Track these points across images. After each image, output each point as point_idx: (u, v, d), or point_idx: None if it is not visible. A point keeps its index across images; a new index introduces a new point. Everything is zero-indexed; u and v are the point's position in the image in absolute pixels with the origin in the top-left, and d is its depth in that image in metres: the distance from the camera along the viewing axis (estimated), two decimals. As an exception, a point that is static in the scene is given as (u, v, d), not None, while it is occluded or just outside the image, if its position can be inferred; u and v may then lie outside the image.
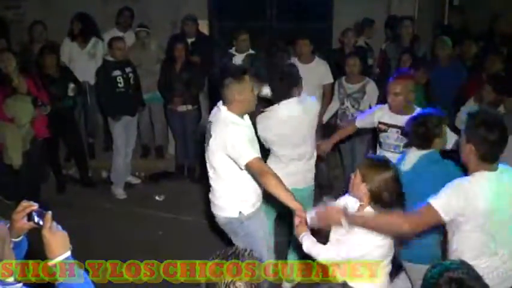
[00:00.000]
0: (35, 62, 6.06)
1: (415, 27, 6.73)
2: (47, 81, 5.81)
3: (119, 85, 6.00)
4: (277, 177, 3.30)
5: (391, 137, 4.13)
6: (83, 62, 6.64)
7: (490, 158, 2.69)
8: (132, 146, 6.42)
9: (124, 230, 5.40)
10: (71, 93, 5.97)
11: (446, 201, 2.67)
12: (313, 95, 5.31)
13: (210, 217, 5.61)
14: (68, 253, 2.04)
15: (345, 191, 6.09)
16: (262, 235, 3.72)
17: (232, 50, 6.19)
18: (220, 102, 3.64)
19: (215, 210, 3.78)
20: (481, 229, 2.70)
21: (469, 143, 2.70)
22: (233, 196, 3.63)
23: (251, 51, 6.17)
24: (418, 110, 4.03)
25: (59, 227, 2.09)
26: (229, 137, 3.46)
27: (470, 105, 5.06)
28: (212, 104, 5.04)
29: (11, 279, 1.92)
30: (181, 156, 6.68)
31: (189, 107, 6.29)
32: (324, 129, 5.77)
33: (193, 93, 6.33)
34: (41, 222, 2.08)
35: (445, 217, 2.67)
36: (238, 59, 6.11)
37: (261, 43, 6.85)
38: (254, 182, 3.60)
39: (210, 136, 3.59)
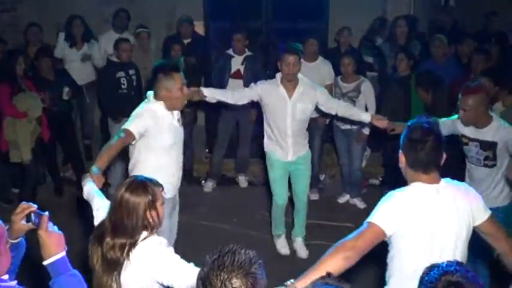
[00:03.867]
0: (31, 65, 6.07)
1: (415, 25, 6.74)
2: (42, 85, 5.81)
3: (122, 86, 6.01)
4: (107, 152, 3.60)
5: (472, 151, 3.98)
6: (79, 63, 6.62)
7: (420, 166, 2.55)
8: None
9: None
10: (65, 97, 5.96)
11: (384, 215, 2.52)
12: None
13: (208, 219, 5.68)
14: (63, 253, 2.06)
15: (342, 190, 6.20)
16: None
17: (230, 51, 6.17)
18: (151, 93, 3.91)
19: None
20: (417, 248, 2.53)
21: (401, 150, 2.63)
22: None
23: (249, 53, 6.17)
24: (496, 119, 3.87)
25: (55, 227, 2.11)
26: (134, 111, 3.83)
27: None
28: (207, 105, 5.07)
29: (5, 277, 1.93)
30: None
31: (186, 108, 6.27)
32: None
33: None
34: (38, 223, 2.09)
35: (388, 231, 2.50)
36: (236, 61, 6.11)
37: (257, 43, 6.86)
38: (167, 170, 3.87)
39: None
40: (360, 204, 5.98)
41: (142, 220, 2.52)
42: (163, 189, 2.65)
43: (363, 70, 6.14)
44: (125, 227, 2.50)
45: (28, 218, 2.13)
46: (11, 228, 2.15)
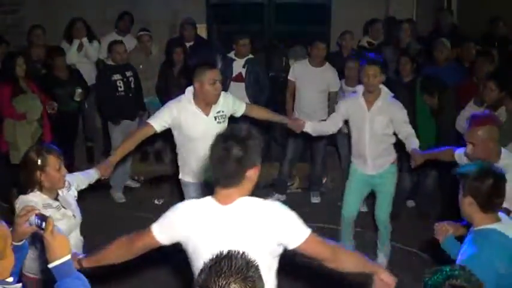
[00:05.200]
0: (45, 64, 6.08)
1: (415, 29, 6.74)
2: (54, 83, 5.83)
3: (119, 89, 6.01)
4: (124, 142, 4.21)
5: None
6: (80, 64, 6.64)
7: (217, 181, 2.30)
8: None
9: (123, 234, 5.38)
10: (77, 98, 5.97)
11: (161, 223, 2.46)
12: (320, 100, 5.35)
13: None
14: (69, 256, 2.06)
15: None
16: None
17: (231, 55, 6.17)
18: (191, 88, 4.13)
19: None
20: (199, 263, 2.32)
21: None
22: (179, 161, 4.32)
23: (250, 56, 6.16)
24: (507, 157, 3.32)
25: (60, 230, 2.12)
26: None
27: (470, 108, 5.07)
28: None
29: (10, 279, 1.93)
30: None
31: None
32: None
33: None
34: (43, 226, 2.10)
35: (161, 240, 2.45)
36: (238, 64, 6.11)
37: (259, 46, 6.86)
38: (194, 158, 4.11)
39: None
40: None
41: (31, 177, 3.03)
42: (62, 159, 3.12)
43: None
44: (20, 179, 3.05)
45: (32, 221, 2.14)
46: (15, 230, 2.15)
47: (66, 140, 6.24)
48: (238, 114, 4.37)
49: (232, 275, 1.67)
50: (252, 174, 2.28)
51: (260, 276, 1.73)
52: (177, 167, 4.39)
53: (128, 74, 6.10)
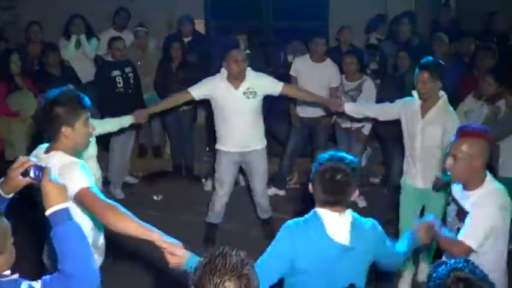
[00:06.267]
0: (38, 61, 6.07)
1: (414, 23, 6.73)
2: (48, 80, 5.81)
3: (118, 85, 5.99)
4: (163, 101, 5.19)
5: (450, 215, 3.08)
6: (78, 61, 6.62)
7: None
8: (130, 146, 6.39)
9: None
10: None
11: None
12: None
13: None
14: (66, 204, 2.04)
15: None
16: (220, 169, 4.97)
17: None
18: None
19: None
20: None
21: None
22: (216, 131, 4.95)
23: (247, 51, 6.14)
24: (490, 183, 2.86)
25: (57, 178, 2.10)
26: None
27: (469, 102, 5.07)
28: (208, 104, 5.08)
29: (8, 272, 1.92)
30: (178, 156, 6.68)
31: (185, 107, 6.15)
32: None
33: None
34: (40, 176, 2.08)
35: None
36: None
37: (258, 42, 6.85)
38: (226, 128, 4.80)
39: None
40: (361, 202, 5.97)
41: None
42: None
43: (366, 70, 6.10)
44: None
45: (26, 173, 2.12)
46: (7, 183, 2.15)
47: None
48: (275, 93, 4.84)
49: (227, 272, 1.66)
50: (67, 132, 2.72)
51: (255, 274, 1.73)
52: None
53: (127, 70, 6.08)
